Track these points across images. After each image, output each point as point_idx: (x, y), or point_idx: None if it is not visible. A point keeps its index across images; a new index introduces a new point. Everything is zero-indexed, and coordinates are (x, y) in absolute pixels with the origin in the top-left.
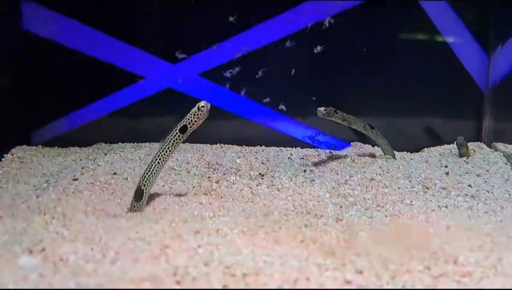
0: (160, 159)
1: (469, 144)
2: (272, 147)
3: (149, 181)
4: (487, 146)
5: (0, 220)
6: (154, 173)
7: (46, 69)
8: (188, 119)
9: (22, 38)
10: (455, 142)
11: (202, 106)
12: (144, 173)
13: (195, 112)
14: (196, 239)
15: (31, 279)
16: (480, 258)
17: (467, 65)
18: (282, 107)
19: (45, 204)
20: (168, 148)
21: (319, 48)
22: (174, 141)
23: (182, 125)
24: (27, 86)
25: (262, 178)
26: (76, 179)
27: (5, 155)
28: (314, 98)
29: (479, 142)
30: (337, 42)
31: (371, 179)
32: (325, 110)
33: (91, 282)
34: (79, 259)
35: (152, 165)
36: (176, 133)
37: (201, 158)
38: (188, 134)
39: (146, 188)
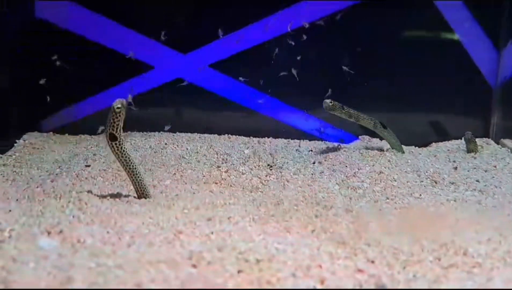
0: (129, 169)
1: (477, 140)
2: (280, 139)
3: (140, 182)
4: (495, 142)
5: (16, 203)
6: (138, 178)
7: (56, 57)
8: (111, 125)
9: (34, 26)
10: (463, 138)
11: (118, 108)
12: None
13: (114, 116)
14: (208, 225)
15: (51, 258)
16: (489, 250)
17: (477, 61)
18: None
19: (60, 189)
20: (122, 158)
21: (346, 68)
22: (118, 150)
23: (109, 134)
24: (38, 74)
25: (270, 169)
26: (89, 166)
27: (17, 141)
28: (329, 91)
29: (487, 138)
30: (348, 37)
31: (380, 172)
32: (331, 102)
33: (110, 262)
34: (97, 241)
35: (132, 177)
36: (112, 144)
37: (210, 148)
38: (120, 134)
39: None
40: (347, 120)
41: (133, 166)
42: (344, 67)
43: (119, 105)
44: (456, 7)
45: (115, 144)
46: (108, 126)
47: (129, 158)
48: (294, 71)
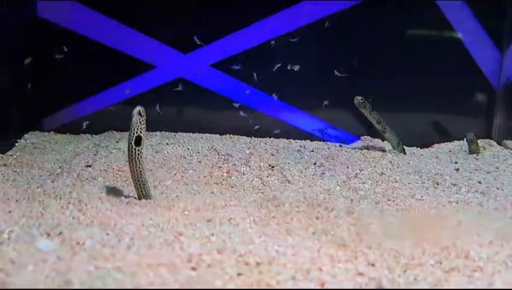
0: (138, 175)
1: (479, 141)
2: (281, 139)
3: (144, 187)
4: (497, 144)
5: (16, 203)
6: (143, 184)
7: (58, 56)
8: (137, 129)
9: (35, 26)
10: (465, 139)
11: (142, 111)
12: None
13: (139, 119)
14: (208, 227)
15: (50, 261)
16: (491, 253)
17: (479, 62)
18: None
19: (60, 189)
20: (137, 165)
21: (338, 73)
22: (137, 156)
23: (135, 137)
24: (39, 73)
25: (272, 170)
26: (90, 166)
27: (18, 140)
28: (326, 102)
29: (489, 139)
30: (350, 38)
31: (381, 174)
32: (361, 99)
33: (109, 265)
34: (96, 244)
35: (137, 181)
36: (135, 149)
37: (212, 148)
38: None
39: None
40: (373, 124)
41: (143, 173)
42: (336, 72)
43: (142, 109)
44: (458, 7)
45: (138, 149)
46: (135, 129)
47: (142, 165)
48: (275, 96)
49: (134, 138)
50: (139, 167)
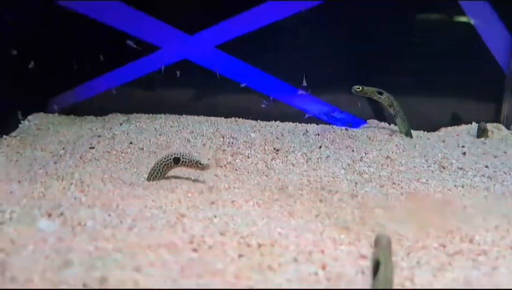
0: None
1: (487, 125)
2: (287, 123)
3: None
4: (506, 128)
5: (19, 185)
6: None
7: (63, 37)
8: (186, 157)
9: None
10: (476, 125)
11: (201, 163)
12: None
13: (194, 161)
14: (211, 209)
15: (50, 241)
16: (496, 238)
17: (490, 44)
18: (303, 84)
19: (62, 170)
20: (158, 168)
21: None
22: (165, 164)
23: (176, 158)
24: (44, 54)
25: (277, 153)
26: (93, 148)
27: (22, 122)
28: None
29: (497, 123)
30: (357, 19)
31: (387, 157)
32: (358, 88)
33: (109, 246)
34: (97, 225)
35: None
36: (169, 159)
37: (216, 131)
38: (176, 166)
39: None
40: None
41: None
42: (304, 84)
43: (205, 163)
44: None
45: (173, 165)
46: (185, 156)
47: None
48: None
49: (177, 156)
50: (156, 172)
